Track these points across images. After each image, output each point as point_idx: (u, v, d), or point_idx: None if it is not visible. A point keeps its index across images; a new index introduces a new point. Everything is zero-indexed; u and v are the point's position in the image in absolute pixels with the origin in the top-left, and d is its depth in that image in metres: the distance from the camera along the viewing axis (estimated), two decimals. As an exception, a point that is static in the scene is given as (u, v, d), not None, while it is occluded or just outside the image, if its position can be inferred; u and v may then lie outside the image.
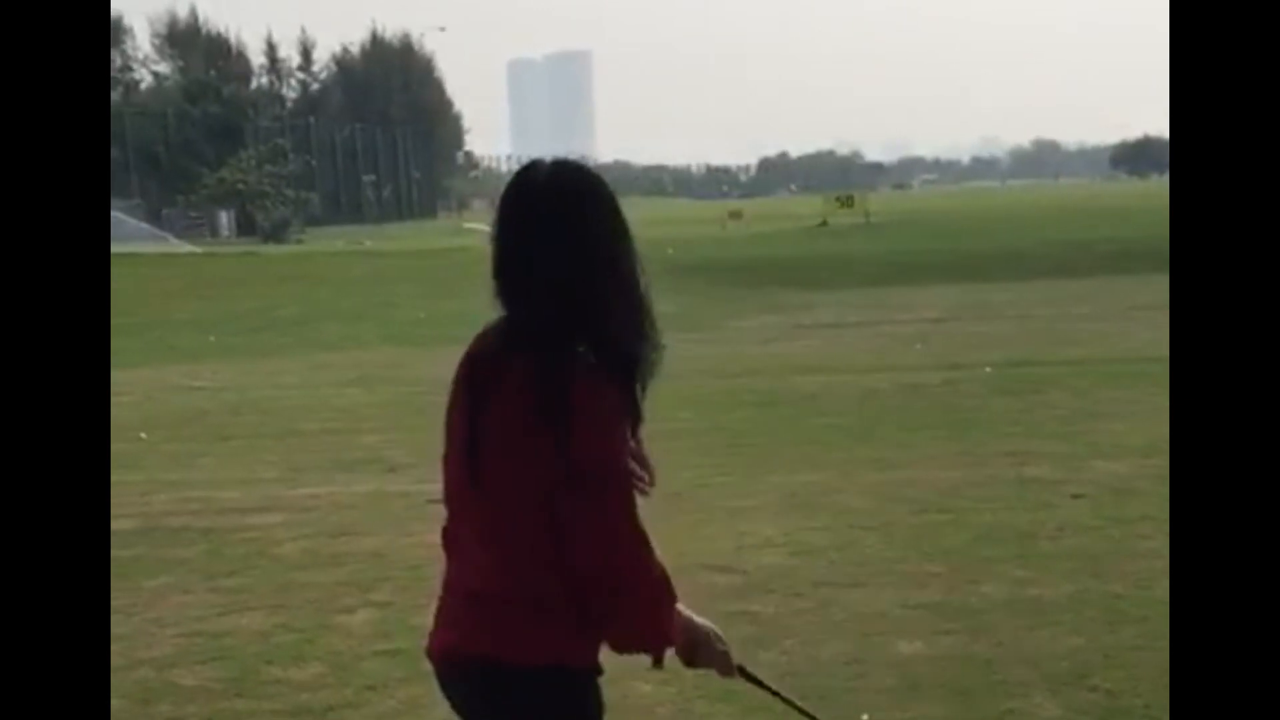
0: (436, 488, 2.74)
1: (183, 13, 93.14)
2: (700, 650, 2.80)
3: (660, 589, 2.60)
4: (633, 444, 2.63)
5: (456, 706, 2.72)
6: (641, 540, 2.56)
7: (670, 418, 10.04)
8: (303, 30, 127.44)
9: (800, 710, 3.09)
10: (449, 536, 2.72)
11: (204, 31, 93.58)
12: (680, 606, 2.69)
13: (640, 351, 2.57)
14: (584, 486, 2.47)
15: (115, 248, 13.49)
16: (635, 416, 2.59)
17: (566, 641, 2.57)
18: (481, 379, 2.59)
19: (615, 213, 2.60)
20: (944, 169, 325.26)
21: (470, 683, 2.68)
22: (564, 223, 2.54)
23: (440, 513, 2.75)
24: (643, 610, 2.60)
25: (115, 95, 75.66)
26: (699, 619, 2.77)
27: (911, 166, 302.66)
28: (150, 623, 6.22)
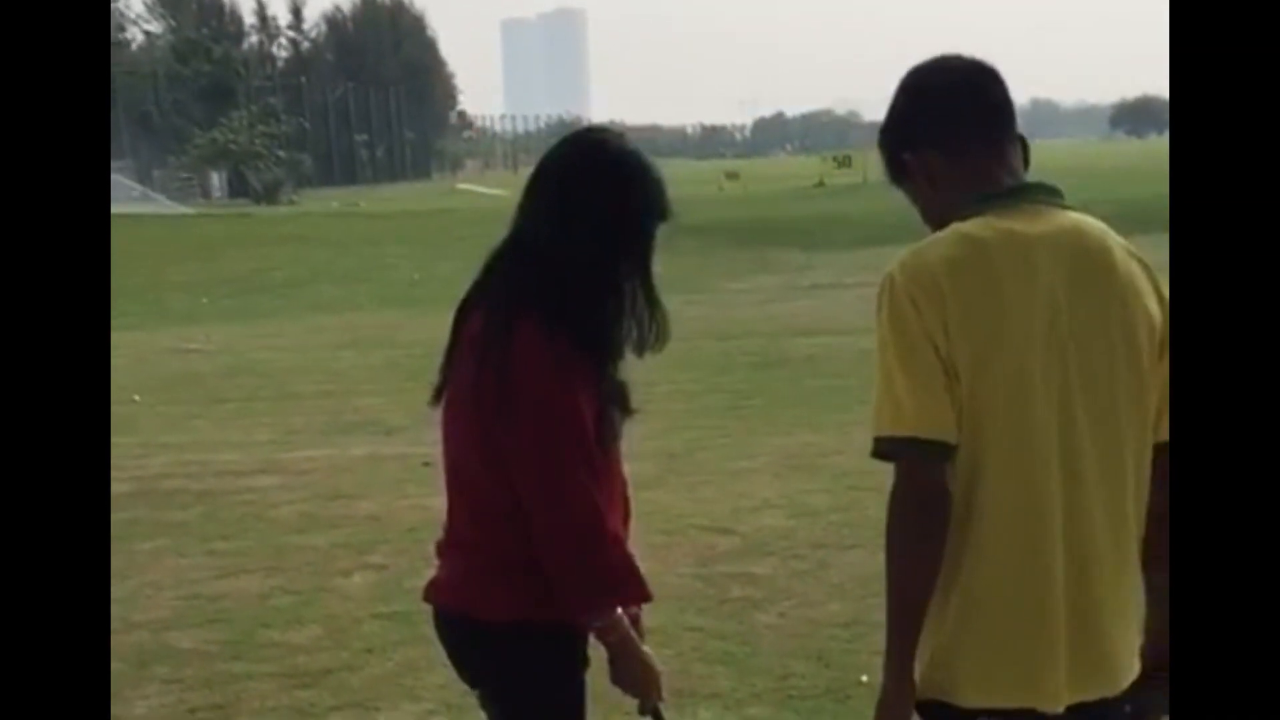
0: (432, 450, 2.73)
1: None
2: (632, 666, 2.66)
3: (600, 527, 2.53)
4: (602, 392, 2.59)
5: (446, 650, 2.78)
6: (587, 478, 2.51)
7: (668, 380, 10.02)
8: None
9: None
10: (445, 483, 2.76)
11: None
12: (630, 630, 2.63)
13: (594, 323, 2.56)
14: (527, 422, 2.47)
15: (108, 209, 13.53)
16: (592, 379, 2.55)
17: (530, 596, 2.56)
18: (455, 329, 2.66)
19: (613, 191, 2.58)
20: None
21: (441, 633, 2.75)
22: (556, 179, 2.62)
23: (435, 475, 2.74)
24: (584, 548, 2.52)
25: (107, 55, 75.13)
26: (646, 649, 2.69)
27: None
28: (147, 585, 6.20)
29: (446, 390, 2.64)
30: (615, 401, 2.61)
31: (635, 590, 2.61)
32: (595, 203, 2.55)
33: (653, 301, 2.64)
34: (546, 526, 2.51)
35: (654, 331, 2.65)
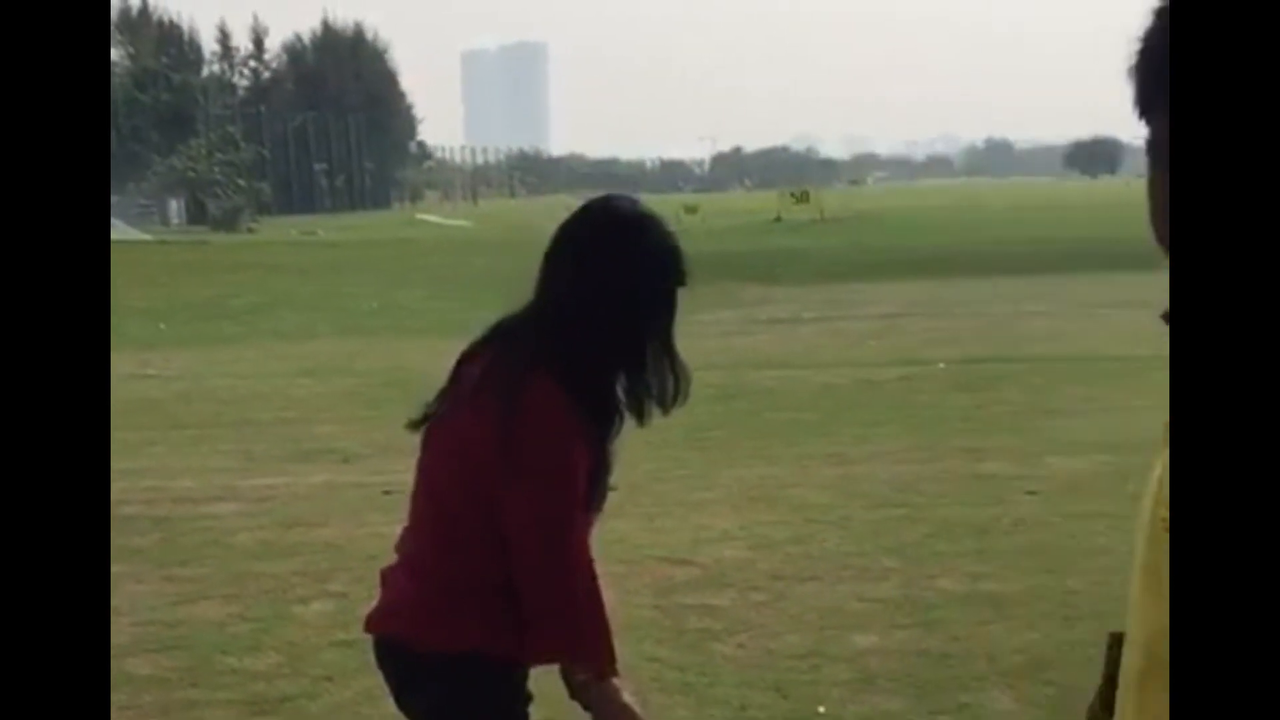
0: (391, 479, 2.76)
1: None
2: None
3: (587, 594, 2.57)
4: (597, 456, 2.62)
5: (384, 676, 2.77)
6: (578, 544, 2.55)
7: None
8: (254, 17, 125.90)
9: None
10: (410, 510, 2.77)
11: (155, 18, 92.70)
12: (620, 685, 2.66)
13: (606, 392, 2.62)
14: (531, 479, 2.49)
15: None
16: (593, 445, 2.58)
17: (476, 627, 2.57)
18: (456, 370, 2.68)
19: (633, 258, 2.63)
20: (897, 166, 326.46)
21: (382, 662, 2.76)
22: (573, 247, 2.65)
23: (394, 503, 2.76)
24: (567, 610, 2.55)
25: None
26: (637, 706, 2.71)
27: (866, 163, 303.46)
28: (103, 612, 6.16)
29: (436, 424, 2.64)
30: (607, 471, 2.64)
31: (609, 664, 2.64)
32: (615, 270, 2.59)
33: (674, 360, 2.68)
34: (545, 586, 2.52)
35: (675, 388, 2.70)
